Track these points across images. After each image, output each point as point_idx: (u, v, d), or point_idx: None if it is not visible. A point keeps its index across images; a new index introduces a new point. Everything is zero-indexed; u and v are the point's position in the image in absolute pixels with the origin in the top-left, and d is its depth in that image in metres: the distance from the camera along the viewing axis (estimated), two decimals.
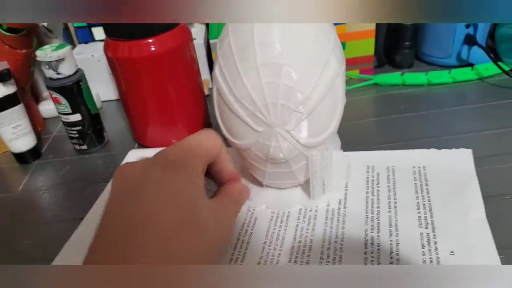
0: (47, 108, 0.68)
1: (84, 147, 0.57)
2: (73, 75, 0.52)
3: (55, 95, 0.53)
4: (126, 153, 0.55)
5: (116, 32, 0.49)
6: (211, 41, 0.64)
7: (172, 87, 0.52)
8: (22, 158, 0.57)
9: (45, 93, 0.70)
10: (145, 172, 0.29)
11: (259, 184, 0.45)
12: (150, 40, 0.49)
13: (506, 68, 0.61)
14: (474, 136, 0.50)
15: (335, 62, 0.39)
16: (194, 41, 0.64)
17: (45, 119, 0.68)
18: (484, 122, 0.52)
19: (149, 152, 0.33)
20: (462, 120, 0.54)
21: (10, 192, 0.52)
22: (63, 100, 0.53)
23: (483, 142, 0.48)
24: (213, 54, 0.65)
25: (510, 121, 0.51)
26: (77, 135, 0.56)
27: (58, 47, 0.52)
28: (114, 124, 0.63)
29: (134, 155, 0.55)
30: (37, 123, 0.64)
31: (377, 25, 0.60)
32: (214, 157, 0.34)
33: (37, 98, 0.70)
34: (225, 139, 0.44)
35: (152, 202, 0.27)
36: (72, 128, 0.55)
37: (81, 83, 0.53)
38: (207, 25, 0.70)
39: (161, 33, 0.49)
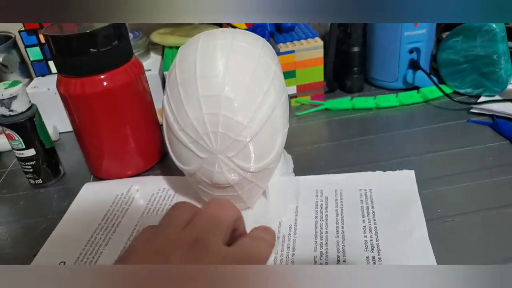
0: (1, 142, 0.67)
1: (39, 181, 0.57)
2: (26, 111, 0.52)
3: (8, 131, 0.53)
4: (82, 185, 0.55)
5: (68, 69, 0.50)
6: (164, 73, 0.65)
7: (125, 120, 0.53)
8: None
9: None
10: (168, 257, 0.26)
11: None
12: (102, 76, 0.49)
13: (448, 91, 0.64)
14: (419, 159, 0.52)
15: (274, 94, 0.42)
16: (149, 72, 0.65)
17: (0, 153, 0.67)
18: (428, 145, 0.55)
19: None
20: (408, 143, 0.56)
21: None
22: (16, 136, 0.53)
23: (427, 165, 0.51)
24: None
25: (451, 144, 0.54)
26: (31, 170, 0.56)
27: (10, 85, 0.52)
28: (71, 156, 0.63)
29: (89, 188, 0.55)
30: None
31: (325, 53, 0.63)
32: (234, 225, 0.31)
33: None
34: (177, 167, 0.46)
35: None
36: (27, 163, 0.55)
37: (34, 119, 0.53)
38: (162, 56, 0.71)
39: (113, 68, 0.50)
